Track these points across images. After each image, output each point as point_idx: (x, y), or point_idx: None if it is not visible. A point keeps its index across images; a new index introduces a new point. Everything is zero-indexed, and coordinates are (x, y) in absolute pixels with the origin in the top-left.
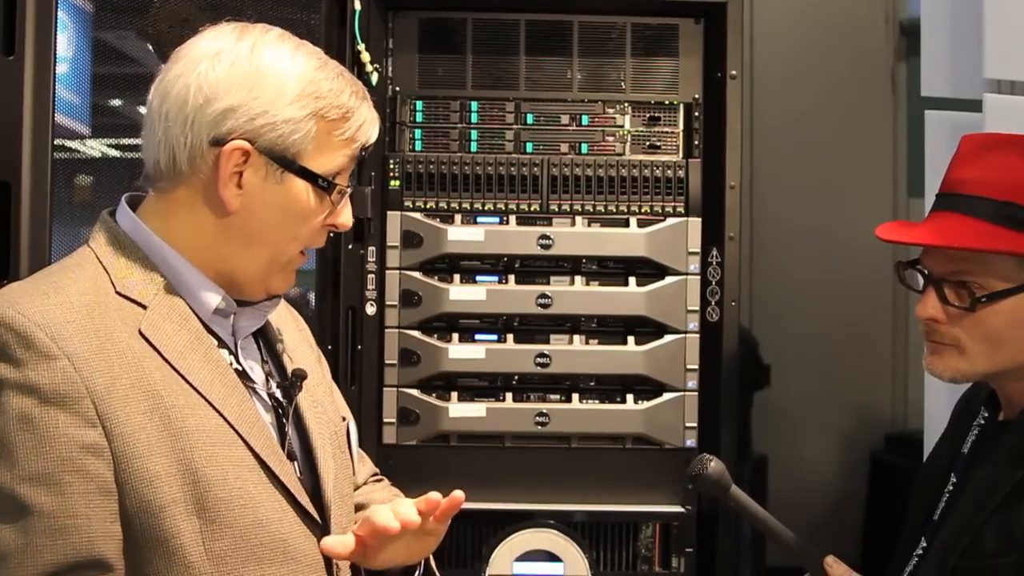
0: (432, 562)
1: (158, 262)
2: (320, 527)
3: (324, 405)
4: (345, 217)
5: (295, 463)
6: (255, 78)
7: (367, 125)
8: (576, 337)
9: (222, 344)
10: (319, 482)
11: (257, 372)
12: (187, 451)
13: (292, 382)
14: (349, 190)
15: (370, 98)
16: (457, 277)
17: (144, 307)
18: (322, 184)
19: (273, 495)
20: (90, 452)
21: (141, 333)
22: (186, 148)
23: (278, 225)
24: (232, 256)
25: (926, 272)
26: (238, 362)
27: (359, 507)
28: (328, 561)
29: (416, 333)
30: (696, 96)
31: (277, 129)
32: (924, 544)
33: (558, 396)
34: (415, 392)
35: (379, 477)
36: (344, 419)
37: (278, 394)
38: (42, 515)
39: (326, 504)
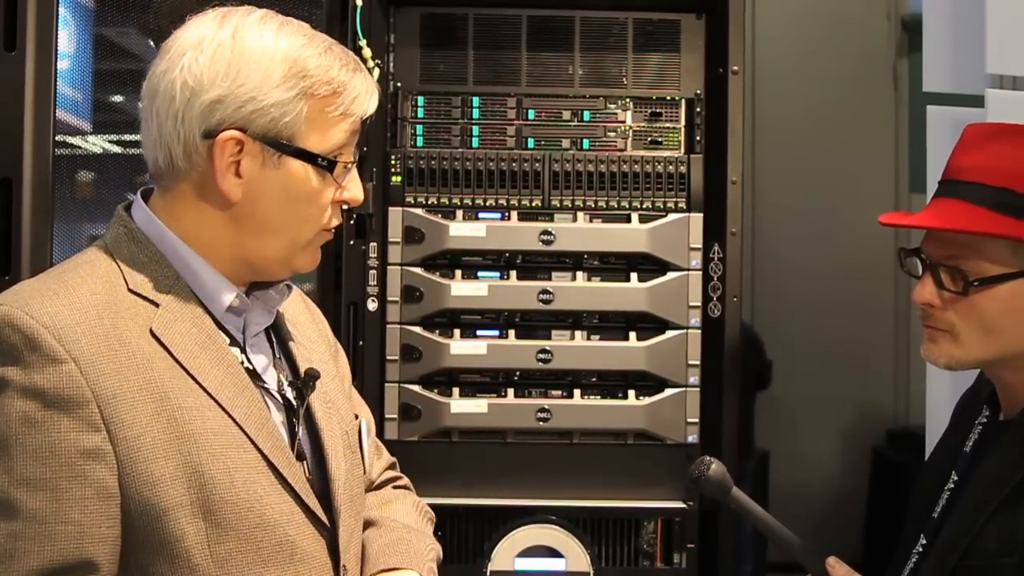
0: None
1: (172, 258)
2: (328, 529)
3: (337, 404)
4: (354, 191)
5: (304, 463)
6: (239, 64)
7: (362, 97)
8: (578, 333)
9: (233, 342)
10: (329, 483)
11: (268, 370)
12: (194, 454)
13: (305, 382)
14: (353, 164)
15: (365, 68)
16: (459, 273)
17: (156, 305)
18: (322, 163)
19: (282, 496)
20: (91, 457)
21: (152, 332)
22: (180, 144)
23: (285, 209)
24: (246, 244)
25: (924, 258)
26: (249, 361)
27: (369, 522)
28: (336, 563)
29: (418, 329)
30: (698, 92)
31: (267, 114)
32: (923, 542)
33: (560, 392)
34: (417, 388)
35: (401, 481)
36: (357, 417)
37: (289, 393)
38: (33, 520)
39: (335, 506)
